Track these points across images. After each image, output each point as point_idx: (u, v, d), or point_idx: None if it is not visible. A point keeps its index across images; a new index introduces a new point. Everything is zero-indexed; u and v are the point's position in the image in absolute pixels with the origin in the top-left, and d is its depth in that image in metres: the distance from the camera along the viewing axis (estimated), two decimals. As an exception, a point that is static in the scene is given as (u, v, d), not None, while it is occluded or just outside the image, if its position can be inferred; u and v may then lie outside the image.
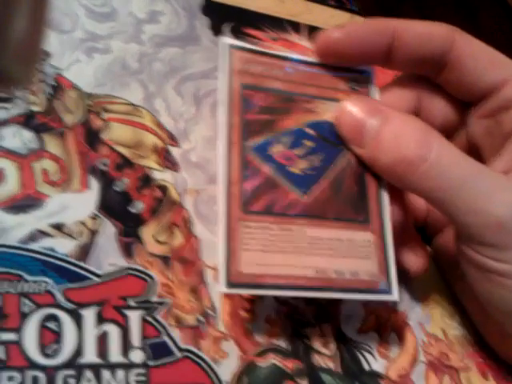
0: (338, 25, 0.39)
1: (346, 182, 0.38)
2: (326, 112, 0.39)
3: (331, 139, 0.39)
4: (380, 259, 0.37)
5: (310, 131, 0.39)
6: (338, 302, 0.42)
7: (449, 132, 0.42)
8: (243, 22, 0.54)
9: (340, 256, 0.37)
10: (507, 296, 0.36)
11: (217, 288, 0.38)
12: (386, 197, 0.39)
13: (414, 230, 0.43)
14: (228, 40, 0.39)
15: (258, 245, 0.35)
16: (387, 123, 0.37)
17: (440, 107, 0.42)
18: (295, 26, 0.56)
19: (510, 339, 0.40)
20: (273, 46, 0.54)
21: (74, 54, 0.46)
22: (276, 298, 0.40)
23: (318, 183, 0.38)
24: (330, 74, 0.40)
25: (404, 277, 0.42)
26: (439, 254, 0.46)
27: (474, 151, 0.41)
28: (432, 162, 0.35)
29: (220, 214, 0.35)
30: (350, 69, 0.41)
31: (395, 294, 0.37)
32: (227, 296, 0.39)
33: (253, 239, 0.35)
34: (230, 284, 0.34)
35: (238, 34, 0.53)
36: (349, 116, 0.38)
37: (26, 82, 0.26)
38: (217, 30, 0.53)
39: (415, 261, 0.41)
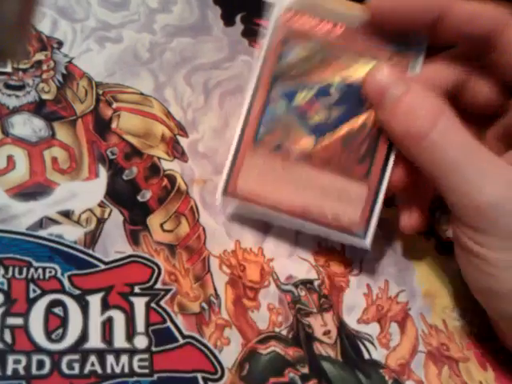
0: None
1: (358, 139, 0.40)
2: (362, 70, 0.40)
3: (357, 97, 0.40)
4: (365, 211, 0.40)
5: (340, 85, 0.40)
6: (341, 292, 0.42)
7: (490, 115, 0.43)
8: (254, 12, 0.54)
9: (329, 199, 0.40)
10: (479, 276, 0.38)
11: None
12: (392, 160, 0.40)
13: (423, 196, 0.44)
14: None
15: (259, 171, 0.40)
16: (406, 95, 0.38)
17: (485, 89, 0.42)
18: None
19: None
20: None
21: (86, 43, 0.46)
22: (279, 287, 0.41)
23: (331, 133, 0.40)
24: (379, 36, 0.41)
25: (408, 270, 0.44)
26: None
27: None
28: (432, 140, 0.37)
29: (234, 138, 0.40)
30: (402, 35, 0.41)
31: (367, 241, 0.40)
32: (231, 284, 0.40)
33: (255, 166, 0.40)
34: (226, 193, 0.40)
35: (248, 23, 0.53)
36: (377, 76, 0.39)
37: (18, 56, 0.26)
38: (228, 20, 0.53)
39: (406, 220, 0.43)
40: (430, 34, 0.40)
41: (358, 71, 0.40)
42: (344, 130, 0.40)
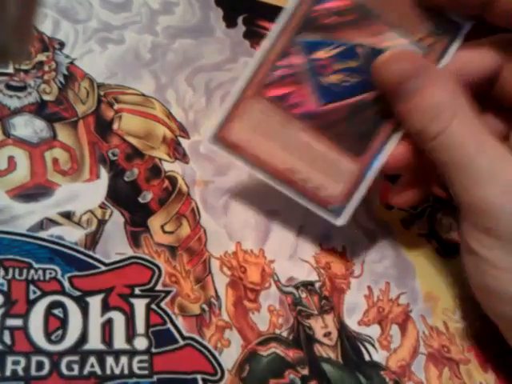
0: None
1: (364, 114, 0.39)
2: (390, 43, 0.39)
3: None
4: (349, 189, 0.40)
5: (364, 52, 0.39)
6: (342, 294, 0.42)
7: None
8: (256, 14, 0.54)
9: (316, 168, 0.39)
10: (481, 277, 0.38)
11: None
12: (393, 142, 0.40)
13: (425, 178, 0.43)
14: None
15: (254, 123, 0.39)
16: (422, 91, 0.37)
17: None
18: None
19: None
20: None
21: (88, 44, 0.46)
22: (279, 289, 0.41)
23: (339, 101, 0.39)
24: (421, 11, 0.39)
25: (409, 272, 0.44)
26: None
27: None
28: (443, 140, 0.37)
29: (238, 83, 0.39)
30: (445, 15, 0.39)
31: (341, 220, 0.40)
32: (231, 286, 0.40)
33: (254, 113, 0.39)
34: (214, 141, 0.39)
35: (250, 25, 0.53)
36: (390, 67, 0.38)
37: (21, 57, 0.26)
38: (230, 22, 0.53)
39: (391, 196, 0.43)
40: (477, 16, 0.39)
41: (385, 42, 0.39)
42: (354, 100, 0.39)
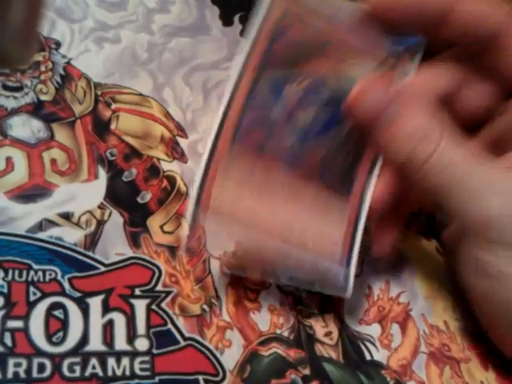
0: None
1: (344, 150, 0.37)
2: (356, 70, 0.37)
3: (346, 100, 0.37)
4: (349, 230, 0.37)
5: (331, 83, 0.37)
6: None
7: (482, 118, 0.41)
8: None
9: (312, 215, 0.36)
10: (484, 285, 0.38)
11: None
12: (374, 178, 0.38)
13: (399, 217, 0.42)
14: None
15: (237, 177, 0.35)
16: (404, 116, 0.36)
17: (480, 92, 0.40)
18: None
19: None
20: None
21: (84, 44, 0.46)
22: (280, 288, 0.40)
23: (316, 139, 0.37)
24: (378, 33, 0.38)
25: (409, 271, 0.44)
26: (448, 247, 0.46)
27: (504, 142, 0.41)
28: (436, 161, 0.35)
29: (208, 141, 0.35)
30: (400, 35, 0.39)
31: (349, 291, 0.37)
32: (232, 286, 0.40)
33: (233, 171, 0.35)
34: (197, 212, 0.35)
35: (247, 23, 0.53)
36: (367, 99, 0.36)
37: (24, 62, 0.26)
38: (227, 20, 0.53)
39: (380, 244, 0.41)
40: (430, 34, 0.39)
41: (352, 70, 0.38)
42: (331, 136, 0.37)
